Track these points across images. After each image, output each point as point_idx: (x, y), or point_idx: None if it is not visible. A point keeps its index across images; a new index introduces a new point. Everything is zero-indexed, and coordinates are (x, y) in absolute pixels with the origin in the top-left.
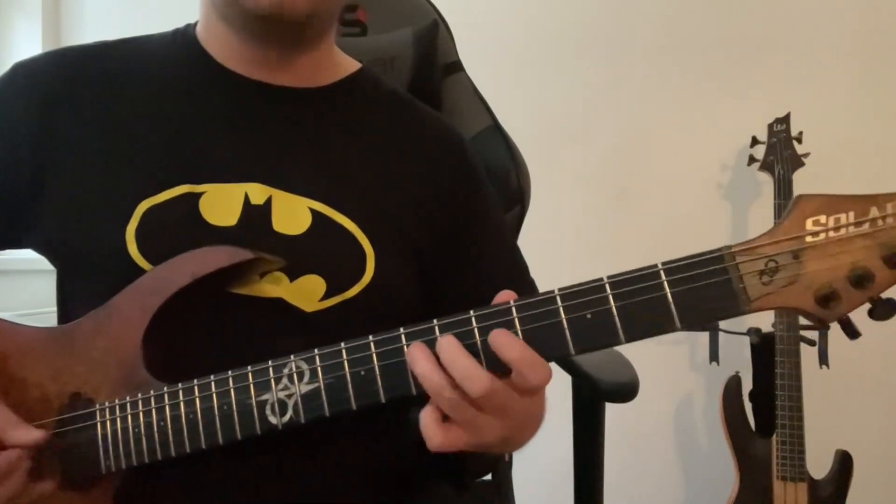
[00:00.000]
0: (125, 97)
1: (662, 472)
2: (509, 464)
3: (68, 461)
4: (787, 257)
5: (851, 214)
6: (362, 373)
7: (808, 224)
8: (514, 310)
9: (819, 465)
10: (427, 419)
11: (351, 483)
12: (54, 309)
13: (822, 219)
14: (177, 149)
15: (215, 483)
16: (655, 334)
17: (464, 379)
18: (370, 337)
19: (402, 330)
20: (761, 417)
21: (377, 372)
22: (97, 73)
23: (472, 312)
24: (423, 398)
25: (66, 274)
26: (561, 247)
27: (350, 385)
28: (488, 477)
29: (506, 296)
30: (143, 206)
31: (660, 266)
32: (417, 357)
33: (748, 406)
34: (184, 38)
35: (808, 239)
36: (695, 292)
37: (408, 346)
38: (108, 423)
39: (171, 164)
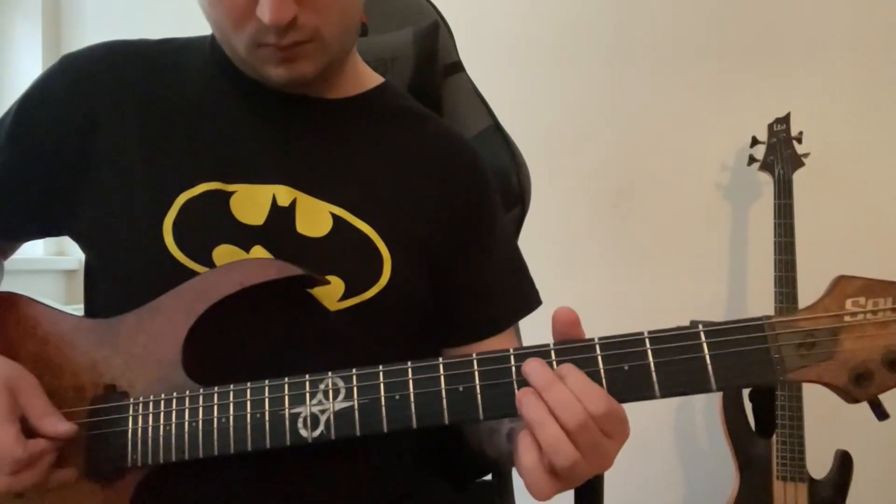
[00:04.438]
0: (166, 94)
1: (662, 472)
2: None
3: (95, 451)
4: (825, 333)
5: (889, 300)
6: (397, 397)
7: (848, 304)
8: (552, 352)
9: (819, 465)
10: (534, 466)
11: (352, 483)
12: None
13: (862, 300)
14: (211, 149)
15: (236, 490)
16: (690, 393)
17: (582, 394)
18: (409, 363)
19: (440, 360)
20: (761, 417)
21: (412, 399)
22: (141, 66)
23: (511, 351)
24: (454, 427)
25: (99, 262)
26: (561, 246)
27: (384, 408)
28: (488, 477)
29: (565, 317)
30: (182, 198)
31: (700, 327)
32: (530, 400)
33: (748, 406)
34: (220, 49)
35: (847, 318)
36: (733, 357)
37: (445, 376)
38: (139, 417)
39: (206, 163)
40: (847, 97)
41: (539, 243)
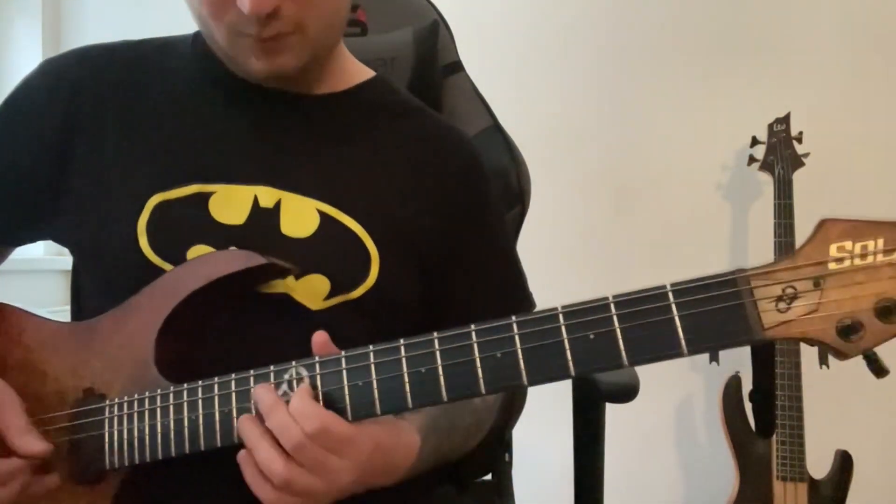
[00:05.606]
0: (145, 95)
1: (662, 472)
2: (509, 464)
3: (76, 456)
4: (806, 284)
5: (881, 242)
6: (360, 384)
7: (832, 250)
8: (514, 326)
9: (819, 465)
10: (253, 482)
11: None
12: (59, 309)
13: (848, 245)
14: (190, 149)
15: (215, 485)
16: (660, 360)
17: (299, 416)
18: (370, 347)
19: (402, 342)
20: (761, 417)
21: (375, 385)
22: (120, 69)
23: (472, 327)
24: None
25: (81, 265)
26: (561, 246)
27: (347, 396)
28: (488, 477)
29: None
30: (155, 199)
31: (668, 287)
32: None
33: (748, 406)
34: (203, 44)
35: (832, 266)
36: (704, 317)
37: (407, 358)
38: (115, 419)
39: (185, 163)
40: (847, 97)
41: (538, 243)
